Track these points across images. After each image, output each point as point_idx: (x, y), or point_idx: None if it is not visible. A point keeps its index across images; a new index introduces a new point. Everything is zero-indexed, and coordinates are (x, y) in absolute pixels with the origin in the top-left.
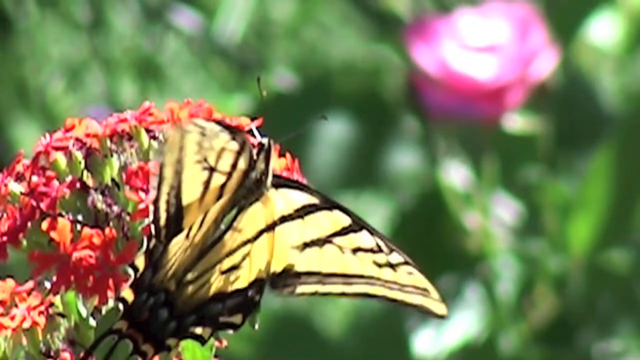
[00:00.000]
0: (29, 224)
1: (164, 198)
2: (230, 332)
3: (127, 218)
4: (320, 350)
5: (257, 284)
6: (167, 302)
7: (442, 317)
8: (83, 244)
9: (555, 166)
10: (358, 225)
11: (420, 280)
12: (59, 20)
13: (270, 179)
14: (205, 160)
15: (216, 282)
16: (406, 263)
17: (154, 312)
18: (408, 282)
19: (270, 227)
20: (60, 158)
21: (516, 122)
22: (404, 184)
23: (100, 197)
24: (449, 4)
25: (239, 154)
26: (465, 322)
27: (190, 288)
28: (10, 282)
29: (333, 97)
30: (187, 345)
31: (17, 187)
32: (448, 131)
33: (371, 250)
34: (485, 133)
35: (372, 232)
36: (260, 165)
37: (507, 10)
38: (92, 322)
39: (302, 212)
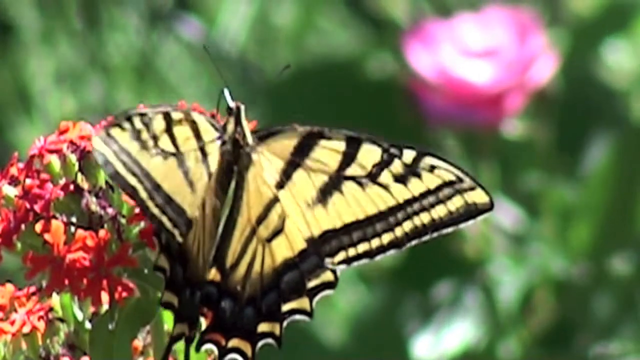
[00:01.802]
0: (23, 226)
1: (150, 204)
2: (330, 292)
3: (122, 220)
4: (319, 355)
5: (321, 237)
6: (223, 293)
7: (491, 207)
8: (77, 245)
9: (555, 171)
10: (355, 141)
11: (446, 170)
12: (60, 25)
13: (249, 138)
14: (161, 149)
15: (268, 253)
16: (421, 154)
17: (215, 307)
18: (438, 182)
19: (280, 184)
20: (54, 160)
21: (515, 127)
22: None
23: (94, 199)
24: (448, 9)
25: (193, 123)
26: (465, 328)
27: (240, 269)
28: (9, 287)
29: (330, 99)
30: (182, 348)
31: (11, 190)
32: (447, 136)
33: (384, 163)
34: (484, 138)
35: (370, 139)
36: (229, 127)
37: (507, 15)
38: (88, 325)
39: (300, 153)
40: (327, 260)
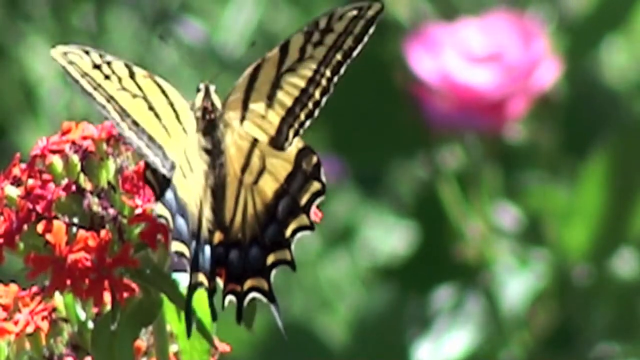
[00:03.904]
0: (25, 226)
1: (124, 124)
2: (322, 199)
3: (123, 221)
4: None
5: (300, 155)
6: (228, 247)
7: (381, 8)
8: (78, 246)
9: (559, 175)
10: (284, 45)
11: (349, 12)
12: (67, 27)
13: (219, 106)
14: (126, 88)
15: (257, 193)
16: (331, 16)
17: (226, 263)
18: (345, 23)
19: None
20: (56, 161)
21: (518, 132)
22: (404, 193)
23: (96, 199)
24: (451, 13)
25: (157, 83)
26: (467, 332)
27: (237, 219)
28: (13, 287)
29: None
30: (185, 349)
31: (13, 191)
32: (449, 141)
33: (305, 42)
34: (487, 143)
35: (296, 32)
36: (198, 100)
37: (510, 20)
38: (91, 325)
39: (252, 81)
40: (285, 145)
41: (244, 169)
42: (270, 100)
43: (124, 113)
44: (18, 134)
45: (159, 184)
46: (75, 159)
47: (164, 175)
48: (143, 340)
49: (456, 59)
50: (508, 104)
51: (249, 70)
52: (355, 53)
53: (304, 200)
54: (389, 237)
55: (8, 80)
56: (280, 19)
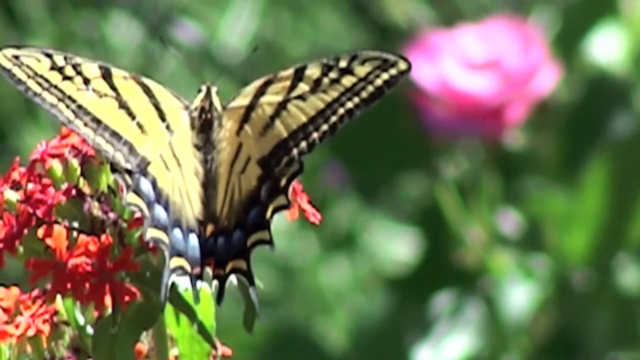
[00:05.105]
0: (25, 231)
1: (79, 122)
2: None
3: (124, 225)
4: None
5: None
6: (217, 235)
7: (407, 69)
8: (79, 251)
9: (558, 181)
10: (300, 69)
11: (374, 60)
12: (68, 32)
13: (218, 107)
14: (94, 88)
15: (244, 180)
16: (354, 57)
17: (215, 251)
18: (367, 70)
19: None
20: (56, 165)
21: (517, 138)
22: (405, 200)
23: (96, 204)
24: (450, 20)
25: (143, 84)
26: (466, 338)
27: (225, 208)
28: (14, 290)
29: None
30: (184, 352)
31: (13, 195)
32: (448, 147)
33: (323, 75)
34: (486, 150)
35: (314, 61)
36: (197, 100)
37: (508, 26)
38: (90, 330)
39: (259, 95)
40: (276, 169)
41: (234, 161)
42: (272, 121)
43: (82, 111)
44: (18, 138)
45: (129, 175)
46: (75, 163)
47: (127, 169)
48: (144, 344)
49: (455, 65)
50: (507, 111)
51: (258, 83)
52: (371, 104)
53: (284, 181)
54: (390, 243)
55: (8, 84)
56: (278, 24)
